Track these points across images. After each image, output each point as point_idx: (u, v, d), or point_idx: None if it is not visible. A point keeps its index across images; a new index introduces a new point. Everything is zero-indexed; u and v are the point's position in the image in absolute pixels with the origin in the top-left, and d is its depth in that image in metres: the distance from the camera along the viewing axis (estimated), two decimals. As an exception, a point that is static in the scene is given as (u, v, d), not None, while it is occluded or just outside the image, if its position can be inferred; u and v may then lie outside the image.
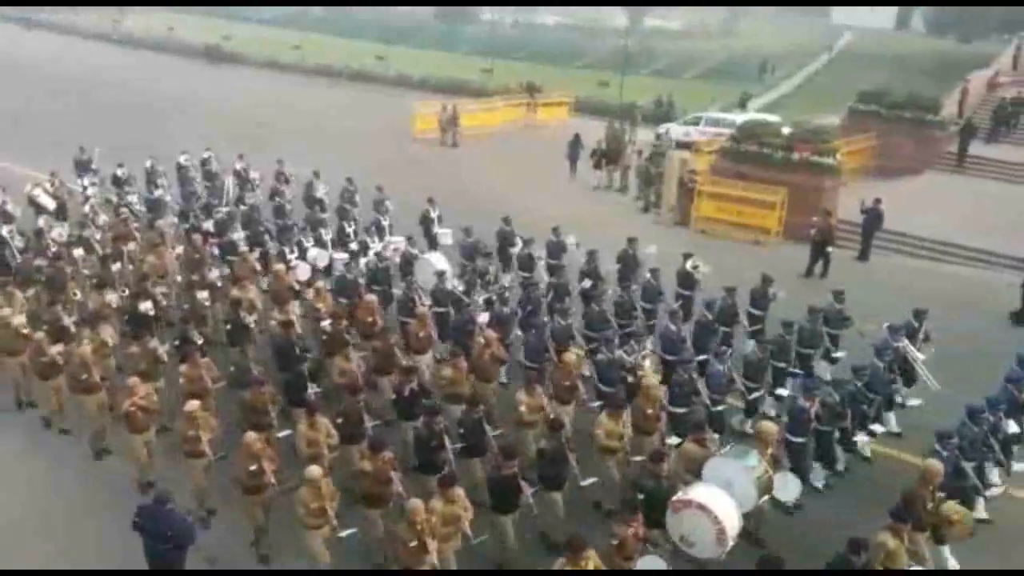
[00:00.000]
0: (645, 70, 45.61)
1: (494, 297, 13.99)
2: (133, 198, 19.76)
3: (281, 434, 10.32)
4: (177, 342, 12.07)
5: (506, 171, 26.44)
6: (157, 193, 20.20)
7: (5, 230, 16.64)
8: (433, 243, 17.56)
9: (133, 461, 10.64)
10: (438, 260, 15.59)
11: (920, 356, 12.14)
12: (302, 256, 16.04)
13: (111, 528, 9.38)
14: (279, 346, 12.00)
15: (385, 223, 17.92)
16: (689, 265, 14.95)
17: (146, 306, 12.97)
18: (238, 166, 21.94)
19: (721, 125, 28.97)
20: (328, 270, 16.00)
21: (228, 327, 12.80)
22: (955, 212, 21.78)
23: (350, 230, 17.75)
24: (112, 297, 13.54)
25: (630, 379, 11.21)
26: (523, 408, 10.45)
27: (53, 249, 15.81)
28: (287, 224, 17.62)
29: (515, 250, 16.36)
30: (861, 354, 12.26)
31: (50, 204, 19.44)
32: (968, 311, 16.13)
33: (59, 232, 16.77)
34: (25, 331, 12.19)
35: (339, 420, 10.03)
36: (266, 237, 16.82)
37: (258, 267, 15.23)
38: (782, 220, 20.97)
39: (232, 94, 39.35)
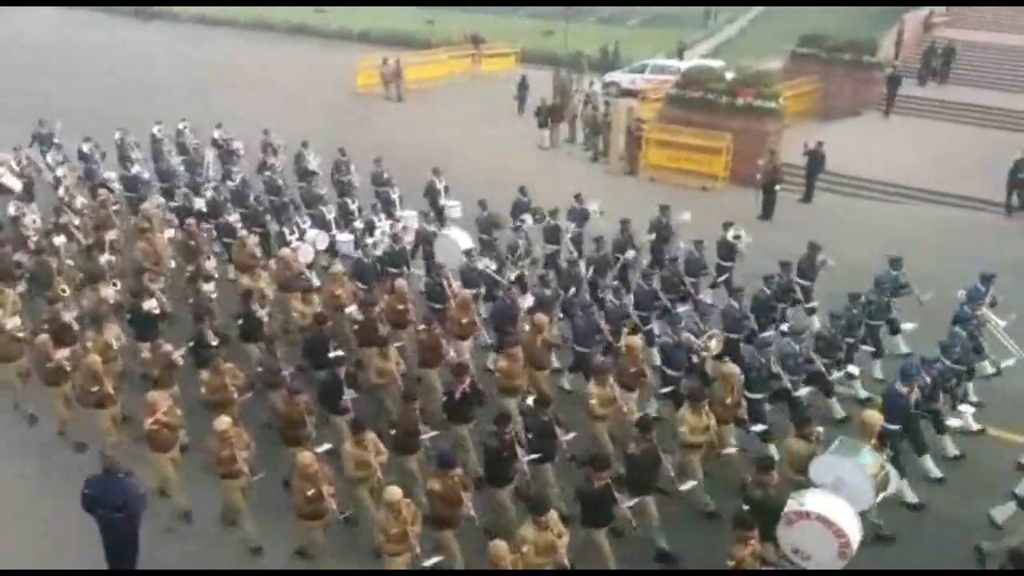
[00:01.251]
0: (590, 18, 45.21)
1: (526, 274, 13.14)
2: (110, 175, 18.04)
3: (320, 449, 9.16)
4: (192, 344, 11.07)
5: (454, 124, 26.20)
6: (134, 170, 18.07)
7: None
8: (440, 217, 16.24)
9: (160, 483, 9.59)
10: (462, 237, 14.25)
11: (1001, 323, 11.42)
12: (300, 237, 14.83)
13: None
14: (312, 342, 10.92)
15: (395, 196, 16.51)
16: (731, 235, 13.93)
17: (150, 304, 11.72)
18: (216, 135, 20.32)
19: (666, 72, 29.04)
20: (331, 252, 14.93)
21: (241, 322, 11.64)
22: (893, 153, 22.36)
23: (354, 207, 16.07)
24: (108, 292, 12.39)
25: (697, 362, 10.58)
26: (594, 401, 9.66)
27: (33, 239, 14.43)
28: (283, 202, 16.10)
29: (529, 223, 14.96)
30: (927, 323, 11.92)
31: (16, 185, 17.79)
32: (921, 248, 16.11)
33: (33, 219, 15.25)
34: (21, 334, 11.18)
35: (392, 431, 9.30)
36: (267, 217, 15.57)
37: (258, 252, 13.92)
38: (728, 165, 21.29)
39: (162, 51, 37.93)
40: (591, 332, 11.36)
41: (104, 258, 13.80)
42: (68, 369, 10.64)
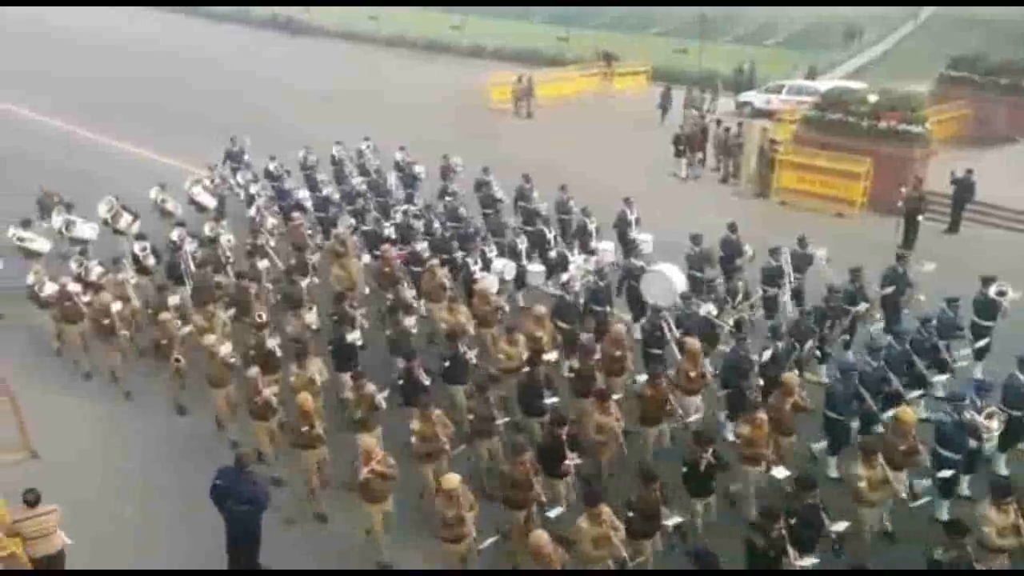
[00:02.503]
0: (725, 37, 44.48)
1: (747, 318, 11.88)
2: (303, 194, 17.88)
3: (552, 513, 8.46)
4: (401, 381, 10.38)
5: (585, 143, 26.36)
6: (326, 191, 17.82)
7: (176, 234, 14.83)
8: (629, 251, 15.01)
9: (371, 539, 9.20)
10: (676, 275, 12.89)
11: None
12: (486, 267, 13.90)
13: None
14: (526, 386, 10.12)
15: (592, 226, 15.26)
16: (993, 291, 12.08)
17: (354, 336, 11.36)
18: (399, 157, 19.70)
19: (804, 93, 28.19)
20: (520, 284, 14.25)
21: (448, 364, 10.71)
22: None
23: (550, 236, 15.10)
24: (311, 318, 12.25)
25: (975, 444, 9.38)
26: (863, 484, 8.47)
27: (231, 260, 14.36)
28: (467, 231, 15.28)
29: (740, 261, 14.01)
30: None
31: (211, 202, 17.96)
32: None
33: (228, 239, 15.22)
34: (232, 360, 11.06)
35: (630, 512, 8.25)
36: (454, 243, 14.70)
37: (447, 282, 13.16)
38: (867, 191, 20.43)
39: (310, 68, 40.05)
40: (849, 399, 9.96)
41: (305, 282, 13.69)
42: (276, 406, 10.44)
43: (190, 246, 14.56)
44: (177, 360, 11.64)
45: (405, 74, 37.90)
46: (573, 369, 10.50)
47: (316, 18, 51.35)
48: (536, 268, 14.48)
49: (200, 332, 11.99)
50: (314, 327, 12.13)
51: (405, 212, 16.34)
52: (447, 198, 17.08)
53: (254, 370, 10.40)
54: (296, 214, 16.17)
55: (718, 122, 24.86)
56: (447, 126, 27.88)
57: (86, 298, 13.01)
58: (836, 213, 20.33)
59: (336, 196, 17.68)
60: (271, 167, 19.10)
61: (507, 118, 30.16)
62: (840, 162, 20.61)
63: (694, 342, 10.53)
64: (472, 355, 10.87)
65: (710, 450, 8.58)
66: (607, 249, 14.93)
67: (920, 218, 18.02)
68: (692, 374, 10.23)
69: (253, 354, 11.22)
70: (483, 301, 12.43)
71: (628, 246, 15.24)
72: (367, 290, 13.59)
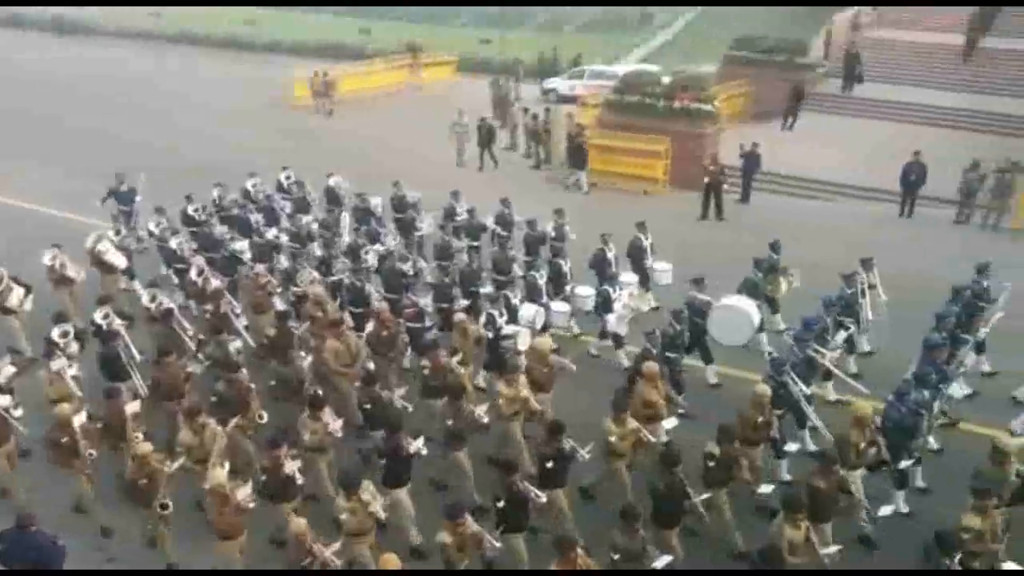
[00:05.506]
0: (527, 25, 45.37)
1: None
2: (240, 245, 14.11)
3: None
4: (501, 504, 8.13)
5: (394, 135, 25.89)
6: (270, 234, 14.43)
7: (100, 314, 11.23)
8: (645, 280, 13.69)
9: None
10: (751, 307, 11.48)
11: None
12: (512, 318, 11.61)
13: None
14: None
15: (611, 255, 13.20)
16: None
17: (417, 445, 8.67)
18: (333, 183, 16.78)
19: (605, 78, 29.21)
20: (543, 328, 11.96)
21: (551, 465, 8.56)
22: (824, 151, 22.83)
23: (566, 268, 13.06)
24: (332, 423, 9.08)
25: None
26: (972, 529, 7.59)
27: (199, 338, 11.17)
28: (469, 271, 13.06)
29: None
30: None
31: (121, 262, 14.16)
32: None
33: (161, 301, 11.73)
34: (251, 506, 8.15)
35: None
36: (455, 290, 12.48)
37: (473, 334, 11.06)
38: (668, 169, 21.43)
39: (84, 68, 36.58)
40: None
41: (306, 362, 10.72)
42: None
43: (119, 323, 11.26)
44: (164, 507, 8.44)
45: (199, 73, 35.73)
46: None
47: (90, 16, 47.24)
48: (561, 308, 12.49)
49: (196, 461, 8.84)
50: (337, 433, 9.16)
51: (386, 255, 13.60)
52: (416, 234, 14.94)
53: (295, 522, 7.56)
54: (260, 267, 12.98)
55: (525, 110, 25.22)
56: (249, 127, 26.59)
57: (17, 412, 9.68)
58: (643, 191, 21.19)
59: (284, 239, 14.42)
60: (190, 210, 15.36)
61: (312, 115, 29.09)
62: (641, 142, 21.48)
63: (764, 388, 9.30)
64: (583, 451, 8.66)
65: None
66: (664, 270, 13.51)
67: (725, 187, 19.28)
68: (760, 420, 9.15)
69: (264, 480, 8.53)
70: (541, 362, 10.22)
71: (644, 276, 13.65)
72: (371, 365, 10.50)
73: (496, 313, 11.43)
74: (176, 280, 14.10)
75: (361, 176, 17.91)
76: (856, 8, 31.68)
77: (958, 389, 10.81)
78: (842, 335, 11.21)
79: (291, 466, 8.44)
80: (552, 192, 20.89)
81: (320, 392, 9.42)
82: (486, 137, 23.27)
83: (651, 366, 9.73)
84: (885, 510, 9.15)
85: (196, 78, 34.88)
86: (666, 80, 23.10)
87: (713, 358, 11.87)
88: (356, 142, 25.18)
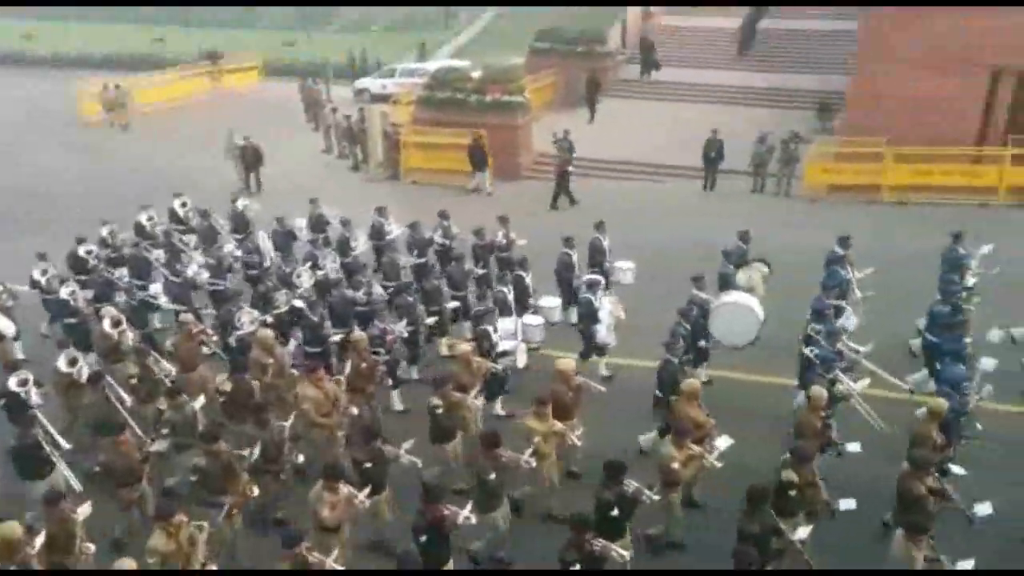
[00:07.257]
0: (332, 26, 44.52)
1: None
2: (155, 287, 12.55)
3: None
4: None
5: (195, 149, 24.55)
6: (190, 271, 12.99)
7: (14, 381, 9.22)
8: (608, 283, 12.78)
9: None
10: (754, 303, 10.96)
11: None
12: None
13: None
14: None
15: (528, 280, 12.46)
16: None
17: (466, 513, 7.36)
18: (240, 205, 15.36)
19: (416, 75, 29.20)
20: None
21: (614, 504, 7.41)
22: (633, 134, 23.98)
23: (529, 280, 12.30)
24: (363, 495, 7.80)
25: None
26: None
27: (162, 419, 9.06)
28: (430, 291, 12.12)
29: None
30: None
31: (8, 326, 11.98)
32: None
33: (82, 365, 9.79)
34: None
35: None
36: (420, 310, 11.61)
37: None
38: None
39: None
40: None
41: (287, 422, 9.11)
42: None
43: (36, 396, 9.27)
44: None
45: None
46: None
47: None
48: (534, 321, 11.66)
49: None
50: (365, 504, 7.78)
51: (336, 284, 12.22)
52: (351, 255, 13.62)
53: None
54: (186, 318, 11.03)
55: (334, 110, 24.77)
56: (43, 148, 24.44)
57: None
58: (469, 189, 21.32)
59: (204, 275, 12.87)
60: (81, 252, 13.28)
61: (105, 131, 27.07)
62: (457, 137, 21.66)
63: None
64: (650, 492, 7.60)
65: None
66: (628, 266, 12.91)
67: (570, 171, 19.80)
68: (819, 425, 8.64)
69: None
70: (567, 384, 9.21)
71: (605, 276, 12.88)
72: (355, 410, 9.11)
73: (491, 329, 10.49)
74: (65, 336, 11.62)
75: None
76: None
77: (990, 363, 9.68)
78: (853, 320, 10.72)
79: (328, 561, 6.84)
80: (372, 191, 20.64)
81: (338, 462, 7.90)
82: (252, 159, 21.30)
83: (692, 383, 8.92)
84: (982, 509, 7.58)
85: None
86: (476, 75, 23.42)
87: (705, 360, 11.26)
88: (150, 157, 23.69)
